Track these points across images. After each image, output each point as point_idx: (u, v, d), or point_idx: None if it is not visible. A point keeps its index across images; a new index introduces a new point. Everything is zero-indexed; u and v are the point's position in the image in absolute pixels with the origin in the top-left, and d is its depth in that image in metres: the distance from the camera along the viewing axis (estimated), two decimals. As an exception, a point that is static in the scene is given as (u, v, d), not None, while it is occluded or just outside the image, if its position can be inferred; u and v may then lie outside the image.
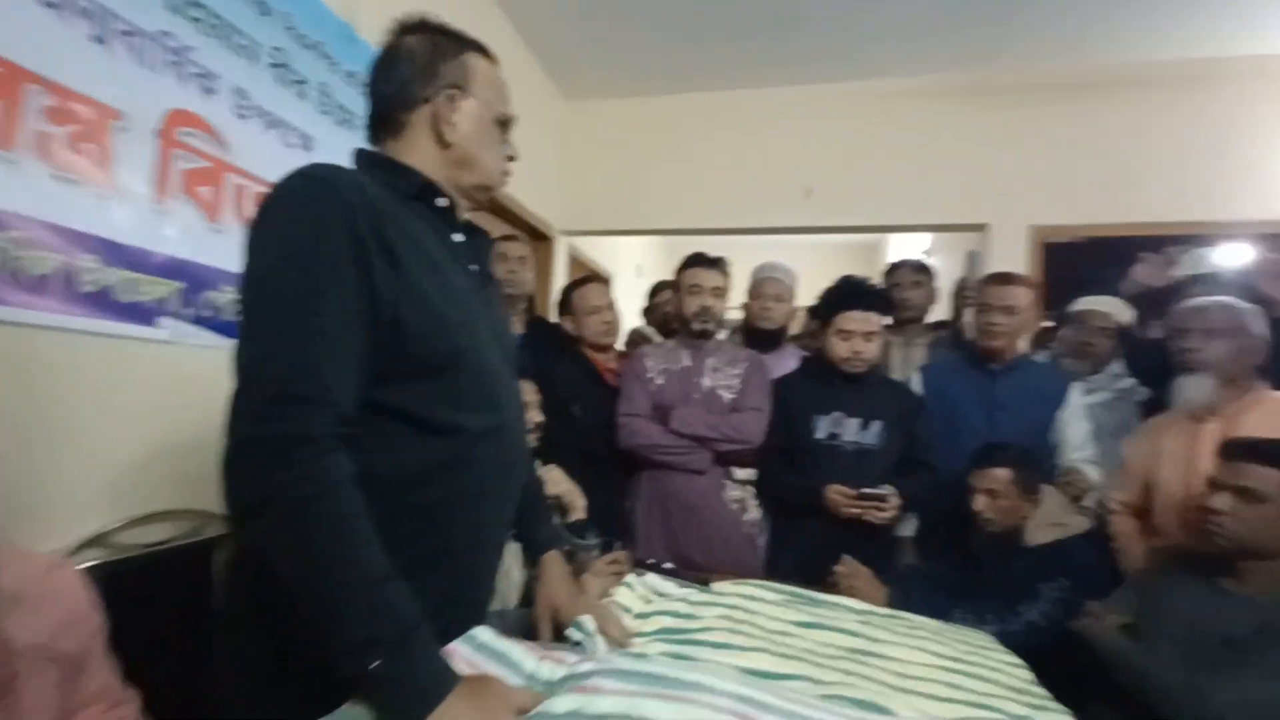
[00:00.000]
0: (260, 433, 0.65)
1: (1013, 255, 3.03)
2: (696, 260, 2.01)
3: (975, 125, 3.17)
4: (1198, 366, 1.58)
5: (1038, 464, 1.65)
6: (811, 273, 2.84)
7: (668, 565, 1.42)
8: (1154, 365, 1.88)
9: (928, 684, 0.89)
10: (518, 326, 2.40)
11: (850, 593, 1.50)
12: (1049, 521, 1.59)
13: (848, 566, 1.56)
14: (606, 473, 2.03)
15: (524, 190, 3.22)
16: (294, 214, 0.72)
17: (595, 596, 1.06)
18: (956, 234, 3.50)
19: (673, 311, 2.20)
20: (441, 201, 0.87)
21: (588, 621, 0.91)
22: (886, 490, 1.68)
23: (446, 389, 0.78)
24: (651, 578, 1.20)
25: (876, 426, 1.81)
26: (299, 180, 0.74)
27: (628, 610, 1.04)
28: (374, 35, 0.95)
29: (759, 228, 3.52)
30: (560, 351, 2.21)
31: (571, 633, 0.91)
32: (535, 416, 1.70)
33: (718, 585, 1.16)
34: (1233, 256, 1.79)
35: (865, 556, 1.63)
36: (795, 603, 1.12)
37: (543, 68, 3.43)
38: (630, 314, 3.35)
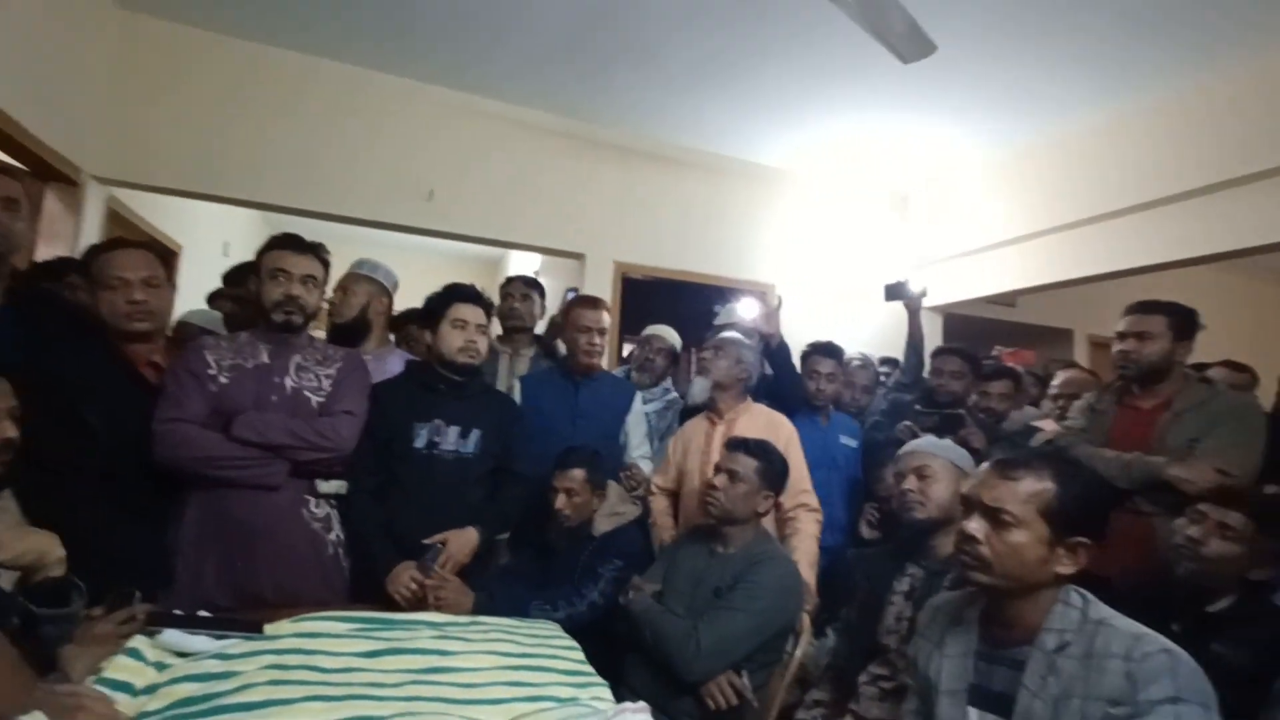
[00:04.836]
0: None
1: (602, 284, 3.64)
2: (285, 241, 1.74)
3: (579, 167, 3.67)
4: (704, 374, 2.17)
5: (605, 463, 1.94)
6: (435, 278, 2.77)
7: (203, 613, 1.16)
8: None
9: (491, 688, 0.96)
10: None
11: (438, 604, 1.51)
12: (610, 511, 1.89)
13: (435, 578, 1.56)
14: (139, 500, 1.58)
15: (38, 112, 2.31)
16: None
17: (81, 674, 0.80)
18: (560, 259, 3.94)
19: (251, 298, 1.85)
20: None
21: None
22: (439, 555, 1.65)
23: None
24: (171, 635, 0.97)
25: (475, 435, 1.85)
26: None
27: (126, 687, 0.82)
28: None
29: (378, 221, 3.32)
30: (76, 338, 1.63)
31: None
32: (7, 431, 1.20)
33: (271, 627, 1.01)
34: (750, 307, 2.52)
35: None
36: (367, 630, 1.06)
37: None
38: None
